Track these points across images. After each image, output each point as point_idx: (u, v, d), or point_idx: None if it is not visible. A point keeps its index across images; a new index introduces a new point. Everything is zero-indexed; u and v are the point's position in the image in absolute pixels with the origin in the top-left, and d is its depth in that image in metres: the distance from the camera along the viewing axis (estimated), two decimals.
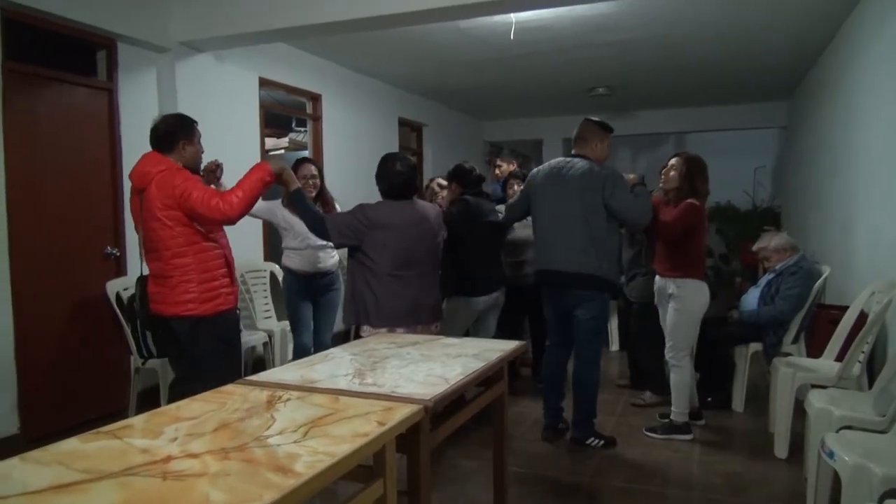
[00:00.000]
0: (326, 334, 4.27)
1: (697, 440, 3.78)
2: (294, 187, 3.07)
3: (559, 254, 3.48)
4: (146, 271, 3.02)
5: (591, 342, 3.57)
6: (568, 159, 3.59)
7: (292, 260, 4.16)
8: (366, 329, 3.18)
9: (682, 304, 3.74)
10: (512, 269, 4.43)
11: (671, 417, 3.83)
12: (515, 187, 4.62)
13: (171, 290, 2.90)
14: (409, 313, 3.15)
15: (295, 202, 3.14)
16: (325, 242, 3.80)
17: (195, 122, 3.04)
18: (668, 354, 3.80)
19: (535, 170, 3.72)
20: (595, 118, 3.67)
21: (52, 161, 3.95)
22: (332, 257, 4.25)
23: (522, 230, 4.38)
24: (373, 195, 3.29)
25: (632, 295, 4.53)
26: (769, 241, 4.25)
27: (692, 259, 3.77)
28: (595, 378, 3.65)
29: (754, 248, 4.35)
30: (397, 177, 3.21)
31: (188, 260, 2.88)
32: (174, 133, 2.94)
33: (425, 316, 3.23)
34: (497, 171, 5.70)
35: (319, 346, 4.13)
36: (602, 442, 3.65)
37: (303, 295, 4.18)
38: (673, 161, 3.86)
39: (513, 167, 5.50)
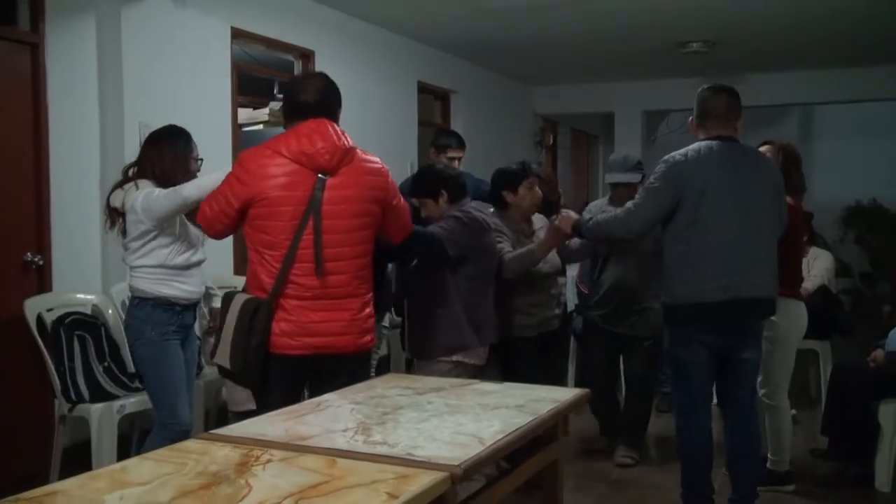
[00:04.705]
0: (189, 396, 3.75)
1: None
2: None
3: (752, 275, 3.47)
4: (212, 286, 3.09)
5: (756, 388, 3.76)
6: (733, 143, 3.52)
7: (169, 283, 3.53)
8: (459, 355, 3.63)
9: (773, 330, 3.91)
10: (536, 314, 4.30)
11: (769, 466, 4.15)
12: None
13: (356, 315, 2.97)
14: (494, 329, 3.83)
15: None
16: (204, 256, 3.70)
17: None
18: (761, 391, 4.07)
19: (677, 156, 3.48)
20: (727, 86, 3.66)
21: None
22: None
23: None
24: None
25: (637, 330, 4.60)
26: None
27: (788, 273, 3.89)
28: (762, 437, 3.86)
29: None
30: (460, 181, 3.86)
31: (370, 272, 3.04)
32: (339, 99, 3.29)
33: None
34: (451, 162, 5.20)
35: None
36: None
37: (174, 340, 3.60)
38: (762, 150, 4.03)
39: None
